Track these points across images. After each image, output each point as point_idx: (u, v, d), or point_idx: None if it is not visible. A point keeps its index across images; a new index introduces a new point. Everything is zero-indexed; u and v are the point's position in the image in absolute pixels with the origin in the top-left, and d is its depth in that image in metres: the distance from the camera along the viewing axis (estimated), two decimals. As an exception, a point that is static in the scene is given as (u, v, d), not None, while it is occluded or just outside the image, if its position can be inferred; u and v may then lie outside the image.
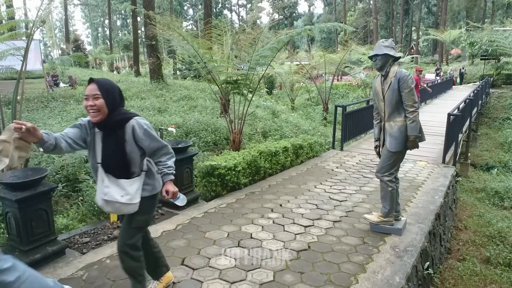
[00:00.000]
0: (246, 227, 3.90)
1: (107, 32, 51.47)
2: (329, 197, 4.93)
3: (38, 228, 3.07)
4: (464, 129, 9.76)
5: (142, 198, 2.35)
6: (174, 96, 12.55)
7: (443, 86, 20.46)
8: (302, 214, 4.29)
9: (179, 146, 4.49)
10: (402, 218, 3.98)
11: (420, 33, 49.63)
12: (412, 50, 38.90)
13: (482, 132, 16.40)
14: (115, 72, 33.86)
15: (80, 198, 4.58)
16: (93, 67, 37.91)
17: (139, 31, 32.76)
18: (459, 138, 8.11)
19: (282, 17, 59.24)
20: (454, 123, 6.80)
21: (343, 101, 17.73)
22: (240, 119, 6.66)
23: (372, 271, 3.09)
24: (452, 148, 7.21)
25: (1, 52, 4.82)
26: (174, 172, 2.41)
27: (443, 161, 6.79)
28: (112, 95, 2.22)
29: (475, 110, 13.65)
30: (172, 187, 2.39)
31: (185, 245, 3.50)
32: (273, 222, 4.07)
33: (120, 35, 59.74)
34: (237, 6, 68.98)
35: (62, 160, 5.01)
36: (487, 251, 5.18)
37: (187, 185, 4.58)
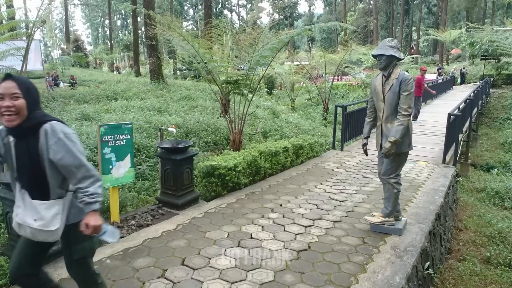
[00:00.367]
0: (246, 227, 3.90)
1: (108, 32, 51.49)
2: (329, 197, 4.93)
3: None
4: (464, 129, 9.76)
5: (72, 225, 1.98)
6: (174, 96, 12.55)
7: (443, 86, 20.45)
8: (302, 214, 4.29)
9: (179, 146, 4.49)
10: (403, 218, 3.98)
11: (420, 33, 49.63)
12: (412, 50, 38.88)
13: (483, 132, 16.39)
14: (115, 72, 33.90)
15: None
16: (95, 68, 37.95)
17: (140, 31, 32.78)
18: (460, 138, 8.11)
19: (282, 17, 59.24)
20: (454, 123, 6.80)
21: (343, 101, 17.72)
22: (240, 119, 6.66)
23: (372, 271, 3.08)
24: (453, 148, 7.21)
25: (2, 52, 4.83)
26: (99, 200, 1.93)
27: (444, 161, 6.78)
28: (33, 95, 1.91)
29: (475, 110, 13.65)
30: (93, 220, 1.90)
31: (185, 245, 3.50)
32: (273, 222, 4.07)
33: (120, 35, 59.78)
34: (237, 6, 69.02)
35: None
36: (487, 251, 5.18)
37: (188, 185, 4.58)
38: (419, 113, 11.59)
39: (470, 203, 7.40)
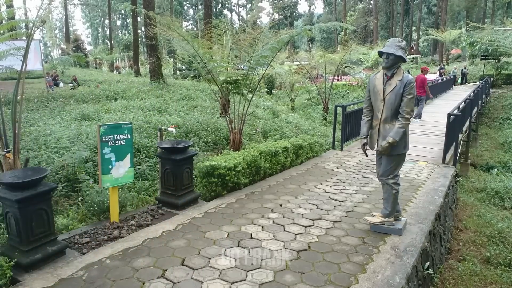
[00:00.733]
0: (246, 227, 3.90)
1: (107, 32, 51.48)
2: (329, 197, 4.93)
3: (38, 228, 3.07)
4: (464, 129, 9.76)
5: None
6: (174, 96, 12.55)
7: (443, 86, 20.46)
8: (302, 214, 4.29)
9: (179, 146, 4.49)
10: (402, 218, 3.98)
11: (420, 33, 49.63)
12: (412, 50, 38.85)
13: (482, 132, 16.40)
14: (115, 72, 33.89)
15: (80, 198, 4.58)
16: (96, 68, 37.93)
17: (139, 31, 32.75)
18: (459, 138, 8.11)
19: (282, 17, 59.23)
20: (454, 123, 6.80)
21: (343, 101, 17.72)
22: (240, 119, 6.66)
23: (372, 271, 3.08)
24: (452, 148, 7.21)
25: (1, 52, 4.81)
26: None
27: (443, 161, 6.78)
28: None
29: (475, 110, 13.64)
30: None
31: (185, 245, 3.50)
32: (273, 222, 4.07)
33: (120, 35, 59.76)
34: (237, 6, 69.00)
35: (62, 160, 5.01)
36: (487, 251, 5.18)
37: (187, 185, 4.57)
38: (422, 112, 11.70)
39: (470, 203, 7.40)
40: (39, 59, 14.27)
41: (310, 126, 10.80)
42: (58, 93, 13.01)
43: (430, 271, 3.82)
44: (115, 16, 61.06)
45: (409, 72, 24.00)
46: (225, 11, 65.76)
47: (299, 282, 2.90)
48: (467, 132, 11.03)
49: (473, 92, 12.73)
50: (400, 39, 3.69)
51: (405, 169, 6.30)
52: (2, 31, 5.05)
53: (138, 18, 26.36)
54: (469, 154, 11.48)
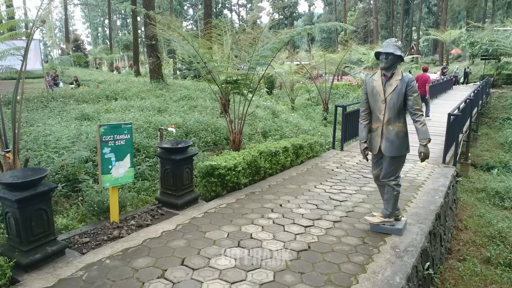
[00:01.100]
0: (246, 227, 3.90)
1: (107, 32, 51.48)
2: (329, 197, 4.93)
3: (37, 228, 3.07)
4: (464, 129, 9.75)
5: None
6: (174, 96, 12.54)
7: (444, 86, 20.45)
8: (302, 214, 4.29)
9: (179, 146, 4.49)
10: (402, 218, 3.98)
11: (421, 33, 49.63)
12: (413, 50, 38.88)
13: (483, 132, 16.39)
14: (115, 72, 33.87)
15: (80, 198, 4.58)
16: (96, 68, 37.92)
17: (139, 31, 32.76)
18: (460, 138, 8.10)
19: (282, 17, 59.25)
20: (454, 123, 6.79)
21: (343, 101, 17.72)
22: (240, 119, 6.65)
23: (372, 271, 3.08)
24: (453, 148, 7.20)
25: (1, 52, 4.81)
26: None
27: (444, 161, 6.78)
28: None
29: (475, 110, 13.64)
30: None
31: (185, 245, 3.49)
32: (273, 222, 4.06)
33: (120, 35, 59.76)
34: (237, 6, 69.00)
35: (62, 160, 5.01)
36: (487, 251, 5.18)
37: (187, 185, 4.57)
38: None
39: (470, 203, 7.40)
40: (39, 59, 14.26)
41: (310, 126, 10.80)
42: (58, 93, 13.00)
43: (430, 271, 3.81)
44: (115, 16, 61.07)
45: (410, 72, 24.08)
46: (225, 11, 65.78)
47: (299, 282, 2.89)
48: (468, 132, 11.02)
49: (473, 92, 12.73)
50: (396, 39, 3.69)
51: (405, 169, 6.29)
52: (2, 31, 5.04)
53: (138, 18, 26.36)
54: (469, 154, 11.48)
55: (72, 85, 17.37)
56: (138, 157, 5.90)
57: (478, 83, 20.77)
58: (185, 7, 59.82)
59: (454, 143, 7.20)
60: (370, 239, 3.68)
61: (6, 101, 9.06)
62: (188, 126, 7.73)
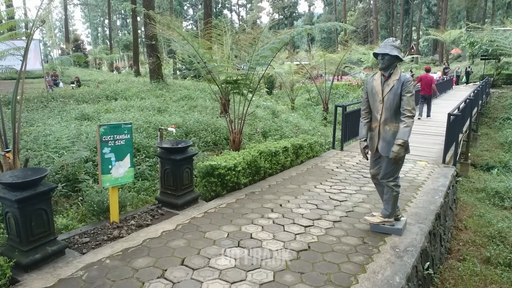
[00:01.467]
0: (246, 227, 3.90)
1: (107, 32, 51.47)
2: (329, 197, 4.93)
3: (37, 228, 3.07)
4: (464, 129, 9.76)
5: None
6: (174, 96, 12.54)
7: (444, 86, 20.46)
8: (302, 214, 4.29)
9: (179, 146, 4.49)
10: (402, 218, 3.98)
11: (421, 33, 49.62)
12: (412, 50, 38.90)
13: (483, 132, 16.40)
14: (115, 72, 33.88)
15: (80, 198, 4.58)
16: (96, 68, 37.92)
17: (139, 31, 32.76)
18: (459, 138, 8.10)
19: (282, 17, 59.25)
20: (454, 123, 6.79)
21: (343, 101, 17.72)
22: (240, 119, 6.65)
23: (372, 271, 3.08)
24: (452, 148, 7.20)
25: (1, 52, 4.81)
26: None
27: (443, 161, 6.78)
28: None
29: (475, 110, 13.64)
30: None
31: (185, 245, 3.49)
32: (273, 222, 4.06)
33: (120, 35, 59.77)
34: (237, 6, 69.00)
35: (62, 160, 5.01)
36: (487, 251, 5.18)
37: (187, 185, 4.57)
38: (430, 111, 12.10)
39: (470, 203, 7.40)
40: (38, 59, 14.26)
41: (310, 126, 10.81)
42: (58, 93, 13.00)
43: (430, 271, 3.81)
44: (115, 16, 61.07)
45: (411, 72, 24.09)
46: (225, 11, 65.78)
47: (299, 282, 2.89)
48: (467, 132, 11.02)
49: (473, 92, 12.73)
50: (394, 39, 3.68)
51: (405, 169, 6.29)
52: (2, 31, 5.04)
53: (138, 18, 26.37)
54: (469, 154, 11.48)
55: (73, 85, 17.37)
56: (138, 157, 5.90)
57: (478, 83, 20.78)
58: (185, 7, 59.83)
59: (454, 143, 7.20)
60: (370, 239, 3.68)
61: (6, 101, 9.06)
62: (188, 126, 7.73)
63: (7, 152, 4.11)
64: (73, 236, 3.66)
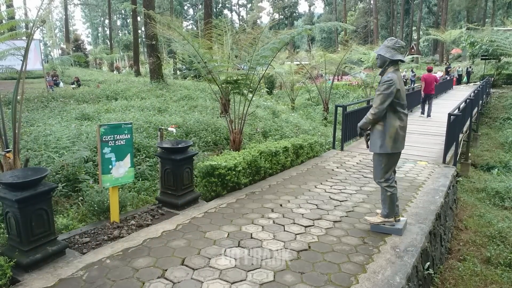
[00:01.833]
0: (246, 227, 3.90)
1: (107, 32, 51.50)
2: (330, 197, 4.93)
3: (38, 228, 3.07)
4: (464, 129, 9.75)
5: None
6: (174, 96, 12.55)
7: (444, 85, 20.44)
8: (303, 214, 4.29)
9: (179, 146, 4.49)
10: (402, 218, 3.97)
11: (421, 33, 49.59)
12: (413, 50, 38.89)
13: (483, 132, 16.38)
14: (115, 72, 33.89)
15: (80, 198, 4.58)
16: (97, 68, 37.93)
17: (139, 31, 32.77)
18: (460, 138, 8.10)
19: (282, 17, 59.25)
20: (454, 123, 6.79)
21: (343, 101, 17.72)
22: (240, 119, 6.65)
23: (373, 271, 3.08)
24: (453, 148, 7.20)
25: (1, 52, 4.81)
26: None
27: (444, 161, 6.78)
28: None
29: (475, 110, 13.64)
30: None
31: (185, 245, 3.50)
32: (273, 222, 4.06)
33: (120, 35, 59.78)
34: (237, 6, 69.00)
35: (62, 160, 5.01)
36: (487, 251, 5.18)
37: (187, 185, 4.57)
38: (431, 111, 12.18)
39: (470, 203, 7.40)
40: (39, 59, 14.26)
41: (311, 126, 10.81)
42: (58, 93, 13.00)
43: (431, 271, 3.81)
44: (115, 16, 61.10)
45: (412, 72, 24.03)
46: (225, 11, 65.79)
47: (299, 282, 2.89)
48: (468, 132, 11.02)
49: (474, 92, 12.73)
50: (390, 39, 3.71)
51: (405, 169, 6.30)
52: (2, 31, 5.05)
53: (138, 18, 26.37)
54: (469, 154, 11.48)
55: (73, 86, 17.38)
56: (138, 157, 5.90)
57: (478, 83, 20.77)
58: (186, 7, 59.86)
59: (454, 143, 7.20)
60: (370, 239, 3.68)
61: (7, 101, 9.07)
62: (188, 126, 7.73)
63: (8, 152, 4.11)
64: (74, 236, 3.66)
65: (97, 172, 4.31)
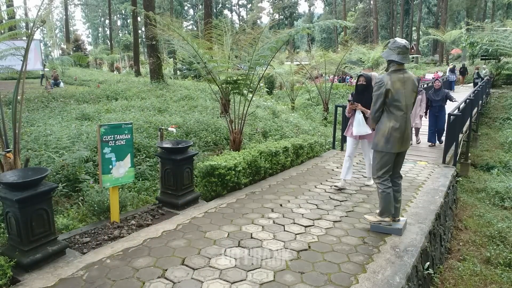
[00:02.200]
0: (247, 227, 3.90)
1: (108, 32, 51.51)
2: (329, 197, 4.93)
3: (38, 228, 3.07)
4: (464, 129, 9.75)
5: None
6: (174, 96, 12.55)
7: (444, 86, 20.40)
8: (303, 214, 4.29)
9: (179, 146, 4.49)
10: (402, 218, 3.98)
11: (421, 33, 49.60)
12: (413, 50, 38.87)
13: (483, 132, 16.38)
14: (115, 72, 33.88)
15: (80, 198, 4.58)
16: (98, 68, 37.93)
17: (140, 31, 32.78)
18: (460, 138, 8.11)
19: (282, 17, 59.24)
20: (454, 123, 6.80)
21: (343, 101, 17.70)
22: (240, 119, 6.66)
23: (373, 271, 3.08)
24: (453, 148, 7.21)
25: (1, 51, 4.81)
26: None
27: (444, 161, 6.78)
28: None
29: (475, 110, 13.63)
30: None
31: (185, 245, 3.50)
32: (273, 222, 4.07)
33: (120, 35, 59.77)
34: (237, 6, 69.01)
35: (63, 160, 5.01)
36: (487, 251, 5.18)
37: (187, 185, 4.57)
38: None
39: (470, 203, 7.40)
40: (39, 59, 14.30)
41: (311, 126, 10.80)
42: (59, 93, 13.00)
43: (430, 271, 3.82)
44: (115, 16, 61.10)
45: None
46: (225, 11, 65.81)
47: (299, 282, 2.90)
48: (468, 132, 11.02)
49: (473, 92, 12.73)
50: (392, 40, 3.76)
51: (405, 169, 6.30)
52: (2, 31, 5.05)
53: (139, 18, 26.38)
54: (469, 154, 11.47)
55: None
56: (138, 157, 5.90)
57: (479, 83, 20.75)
58: (186, 8, 59.86)
59: (454, 143, 7.21)
60: (370, 239, 3.69)
61: (7, 101, 9.07)
62: (188, 126, 7.73)
63: (8, 152, 4.12)
64: (74, 236, 3.66)
65: (97, 172, 4.32)
